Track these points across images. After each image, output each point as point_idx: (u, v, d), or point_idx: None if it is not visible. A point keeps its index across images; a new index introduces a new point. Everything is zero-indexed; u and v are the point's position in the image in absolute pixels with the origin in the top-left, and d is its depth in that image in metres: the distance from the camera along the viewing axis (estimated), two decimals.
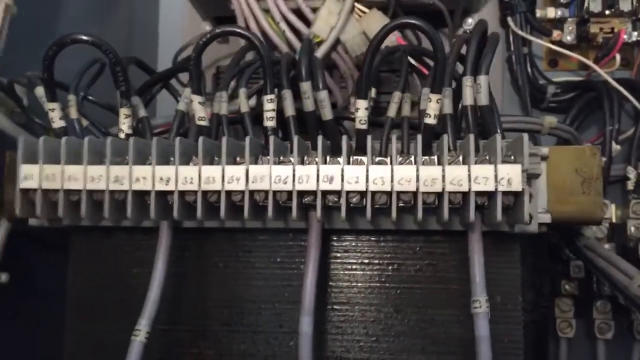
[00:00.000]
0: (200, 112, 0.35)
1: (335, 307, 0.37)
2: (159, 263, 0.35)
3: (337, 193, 0.32)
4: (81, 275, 0.40)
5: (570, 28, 0.61)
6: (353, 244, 0.38)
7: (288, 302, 0.38)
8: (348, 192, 0.32)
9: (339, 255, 0.38)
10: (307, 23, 0.58)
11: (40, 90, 0.37)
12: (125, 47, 0.66)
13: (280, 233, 0.38)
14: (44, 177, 0.33)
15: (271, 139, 0.33)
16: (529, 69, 0.61)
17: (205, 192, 0.33)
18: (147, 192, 0.33)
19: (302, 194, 0.33)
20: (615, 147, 0.55)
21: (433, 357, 0.37)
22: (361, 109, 0.34)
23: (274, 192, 0.32)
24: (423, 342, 0.37)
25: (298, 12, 0.58)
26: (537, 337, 0.41)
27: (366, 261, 0.38)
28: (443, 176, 0.31)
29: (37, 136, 0.45)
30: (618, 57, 0.58)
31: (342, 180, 0.32)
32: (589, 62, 0.59)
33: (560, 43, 0.61)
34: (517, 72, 0.61)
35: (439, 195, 0.31)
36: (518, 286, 0.37)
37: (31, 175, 0.33)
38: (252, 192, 0.32)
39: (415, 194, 0.31)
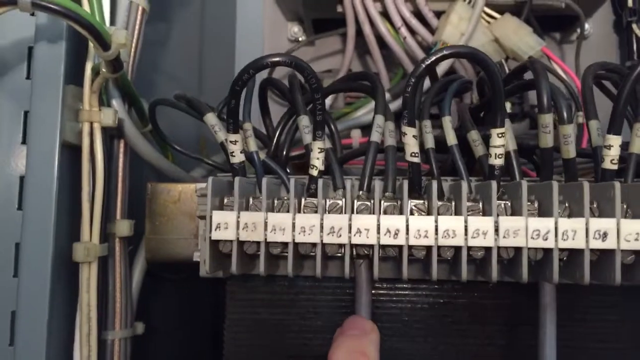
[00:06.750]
0: (414, 148, 0.30)
1: None
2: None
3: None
4: (237, 324, 0.35)
5: None
6: None
7: None
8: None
9: None
10: (429, 29, 0.52)
11: (212, 118, 0.31)
12: (198, 43, 0.60)
13: None
14: (242, 226, 0.28)
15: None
16: None
17: None
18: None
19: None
20: None
21: None
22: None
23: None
24: None
25: (418, 16, 0.53)
26: None
27: None
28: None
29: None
30: None
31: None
32: None
33: None
34: None
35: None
36: None
37: (225, 224, 0.28)
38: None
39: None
